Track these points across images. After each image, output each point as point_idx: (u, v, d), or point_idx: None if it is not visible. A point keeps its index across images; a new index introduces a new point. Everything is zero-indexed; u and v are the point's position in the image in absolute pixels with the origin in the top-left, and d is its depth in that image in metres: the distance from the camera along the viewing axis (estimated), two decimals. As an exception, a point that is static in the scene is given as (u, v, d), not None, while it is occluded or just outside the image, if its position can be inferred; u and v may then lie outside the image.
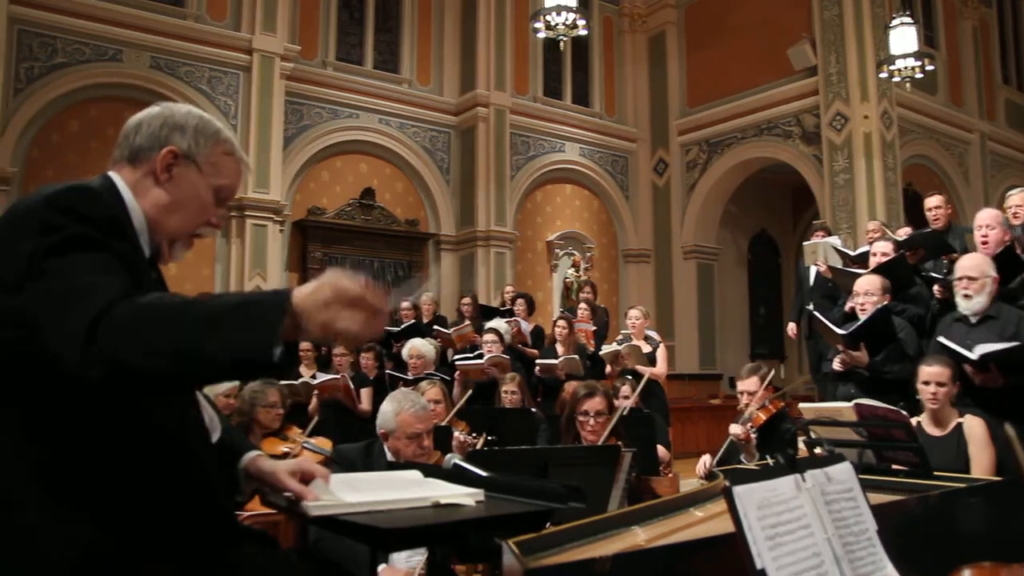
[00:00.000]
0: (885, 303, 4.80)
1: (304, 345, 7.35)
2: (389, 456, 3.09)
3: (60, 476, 1.35)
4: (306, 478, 1.65)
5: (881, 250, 5.64)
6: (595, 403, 3.88)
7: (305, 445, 4.83)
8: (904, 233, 7.23)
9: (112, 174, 1.58)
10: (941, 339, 4.22)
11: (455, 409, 5.32)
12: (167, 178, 1.58)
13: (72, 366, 1.23)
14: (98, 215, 1.40)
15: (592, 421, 3.84)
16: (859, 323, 4.74)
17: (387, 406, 3.16)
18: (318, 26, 12.19)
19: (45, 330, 1.27)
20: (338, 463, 3.18)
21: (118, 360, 1.22)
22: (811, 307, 6.47)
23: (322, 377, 6.72)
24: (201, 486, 1.53)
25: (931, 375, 3.84)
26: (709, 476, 3.96)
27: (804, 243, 7.44)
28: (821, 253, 6.88)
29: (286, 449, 4.67)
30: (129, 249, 1.44)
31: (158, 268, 1.65)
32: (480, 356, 6.85)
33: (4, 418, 1.36)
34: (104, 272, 1.32)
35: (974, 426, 3.77)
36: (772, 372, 4.83)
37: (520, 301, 8.47)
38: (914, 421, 3.85)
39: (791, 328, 7.89)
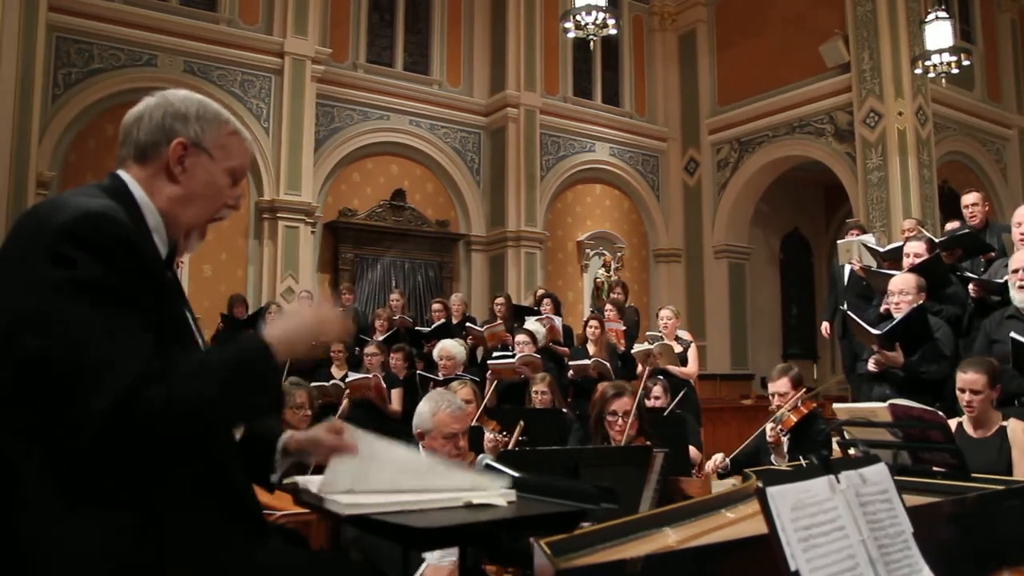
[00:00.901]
0: (920, 302, 4.73)
1: (335, 346, 7.42)
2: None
3: (87, 477, 1.34)
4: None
5: (914, 251, 5.55)
6: (623, 403, 3.88)
7: None
8: (951, 228, 7.13)
9: (122, 174, 1.56)
10: (1015, 335, 4.11)
11: (482, 405, 5.34)
12: (181, 171, 1.57)
13: (85, 437, 1.29)
14: (112, 243, 1.37)
15: (620, 421, 3.84)
16: (894, 323, 4.68)
17: (423, 406, 3.17)
18: (349, 29, 12.27)
19: (66, 395, 1.29)
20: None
21: (151, 431, 1.32)
22: (845, 307, 6.40)
23: (353, 376, 6.76)
24: (227, 483, 1.54)
25: (965, 383, 3.77)
26: (743, 478, 3.94)
27: (838, 242, 7.36)
28: (855, 252, 6.79)
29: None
30: (143, 269, 1.42)
31: (173, 268, 1.64)
32: (513, 356, 6.86)
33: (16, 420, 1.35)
34: (120, 335, 1.33)
35: (1018, 430, 3.69)
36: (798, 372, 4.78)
37: (547, 301, 8.47)
38: (955, 422, 3.80)
39: (824, 328, 7.82)
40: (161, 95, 1.62)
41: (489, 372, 6.96)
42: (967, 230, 6.13)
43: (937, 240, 5.97)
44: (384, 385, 6.74)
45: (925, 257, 5.41)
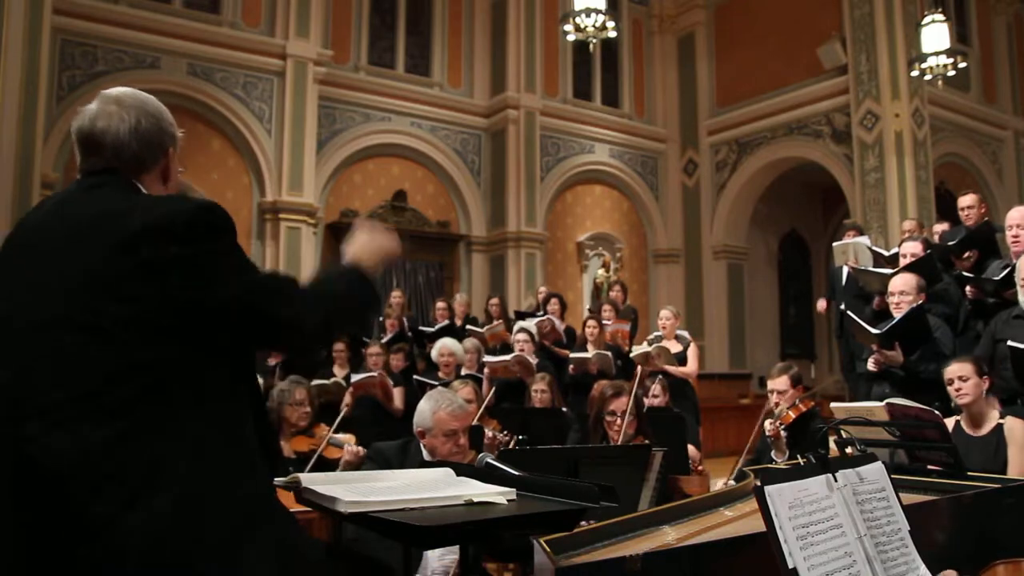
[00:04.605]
0: (920, 302, 4.75)
1: (337, 346, 7.44)
2: (425, 455, 3.12)
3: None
4: None
5: (911, 251, 5.57)
6: (621, 403, 3.89)
7: (331, 441, 4.87)
8: (939, 229, 7.15)
9: (136, 183, 1.65)
10: (1011, 343, 4.09)
11: (483, 407, 5.35)
12: (168, 175, 1.73)
13: (305, 335, 1.63)
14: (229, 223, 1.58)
15: (619, 421, 3.85)
16: (893, 322, 4.69)
17: (424, 405, 3.20)
18: (350, 31, 12.29)
19: (275, 315, 1.56)
20: (374, 460, 3.22)
21: (330, 328, 1.74)
22: (843, 307, 6.42)
23: (357, 376, 6.79)
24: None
25: (952, 372, 3.84)
26: (739, 476, 3.96)
27: (835, 244, 7.39)
28: (851, 253, 6.82)
29: (312, 447, 4.71)
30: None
31: None
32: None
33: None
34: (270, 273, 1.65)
35: (1014, 427, 3.71)
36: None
37: (553, 301, 8.51)
38: (953, 420, 3.82)
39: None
40: (138, 100, 1.74)
41: (486, 370, 6.98)
42: (966, 230, 6.11)
43: (942, 244, 5.96)
44: (390, 383, 6.77)
45: (921, 256, 5.44)
